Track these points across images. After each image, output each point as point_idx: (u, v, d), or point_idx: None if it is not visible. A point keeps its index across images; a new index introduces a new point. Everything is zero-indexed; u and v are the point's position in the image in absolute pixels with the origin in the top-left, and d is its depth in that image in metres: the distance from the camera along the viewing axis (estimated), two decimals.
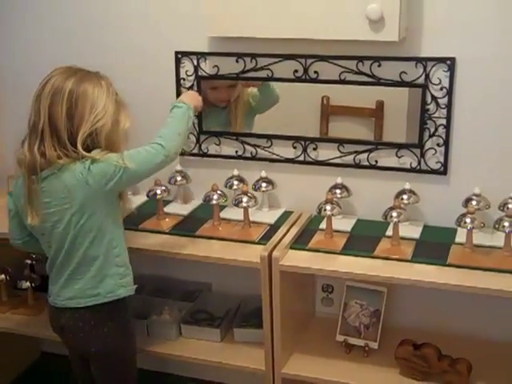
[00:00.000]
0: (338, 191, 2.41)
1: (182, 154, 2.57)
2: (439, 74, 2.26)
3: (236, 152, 2.59)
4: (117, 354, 2.17)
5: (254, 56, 2.44)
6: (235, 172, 2.53)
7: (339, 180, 2.42)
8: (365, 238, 2.32)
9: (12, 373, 3.00)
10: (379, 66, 2.31)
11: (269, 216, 2.52)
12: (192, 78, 2.55)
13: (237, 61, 2.47)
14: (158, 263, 2.59)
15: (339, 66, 2.35)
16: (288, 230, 2.38)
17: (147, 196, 2.54)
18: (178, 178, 2.58)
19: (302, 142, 2.49)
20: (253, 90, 2.54)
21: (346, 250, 2.25)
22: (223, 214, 2.51)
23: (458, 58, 2.23)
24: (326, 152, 2.47)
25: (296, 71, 2.41)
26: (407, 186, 2.35)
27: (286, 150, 2.52)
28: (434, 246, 2.25)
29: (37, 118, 1.98)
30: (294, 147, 2.51)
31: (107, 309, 2.11)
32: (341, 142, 2.44)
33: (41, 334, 2.74)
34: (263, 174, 2.51)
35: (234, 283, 2.67)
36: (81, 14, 2.64)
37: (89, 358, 2.21)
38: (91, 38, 2.64)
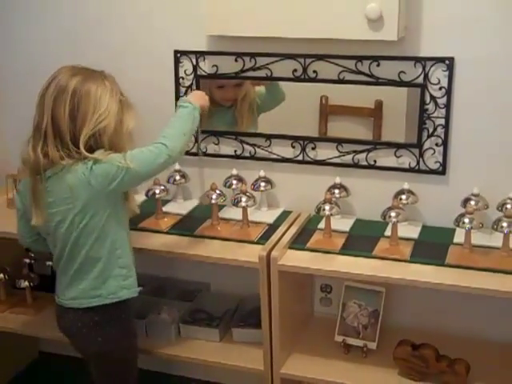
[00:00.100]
0: (336, 191, 2.41)
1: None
2: (438, 74, 2.26)
3: (235, 151, 2.59)
4: (115, 357, 2.17)
5: (253, 55, 2.44)
6: (234, 171, 2.53)
7: (338, 180, 2.42)
8: (363, 238, 2.32)
9: (10, 372, 3.00)
10: (378, 65, 2.31)
11: (267, 216, 2.51)
12: (191, 77, 2.54)
13: (236, 60, 2.47)
14: (156, 263, 2.58)
15: (338, 65, 2.35)
16: (287, 230, 2.37)
17: (146, 195, 2.53)
18: (177, 178, 2.58)
19: (301, 142, 2.49)
20: (260, 88, 2.53)
21: (345, 250, 2.25)
22: (222, 214, 2.51)
23: (456, 58, 2.23)
24: (324, 152, 2.47)
25: (295, 70, 2.41)
26: (406, 185, 2.34)
27: (284, 150, 2.52)
28: (432, 246, 2.25)
29: (40, 119, 1.98)
30: (293, 147, 2.50)
31: (108, 310, 2.10)
32: (339, 141, 2.44)
33: (39, 334, 2.75)
34: (262, 173, 2.51)
35: (233, 283, 2.67)
36: (79, 13, 2.63)
37: (89, 360, 2.21)
38: (89, 37, 2.64)
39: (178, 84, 2.56)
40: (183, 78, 2.56)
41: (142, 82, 2.58)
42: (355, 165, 2.44)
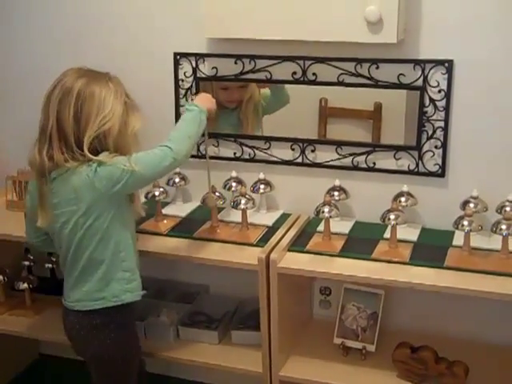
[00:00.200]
0: (335, 193, 2.41)
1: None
2: (437, 77, 2.26)
3: (234, 154, 2.59)
4: (114, 360, 2.16)
5: (252, 57, 2.44)
6: (233, 174, 2.53)
7: (337, 182, 2.42)
8: (363, 241, 2.32)
9: (10, 374, 3.00)
10: (377, 68, 2.31)
11: (267, 218, 2.51)
12: (190, 79, 2.54)
13: (235, 62, 2.47)
14: (155, 265, 2.58)
15: (337, 67, 2.35)
16: (286, 232, 2.37)
17: (145, 198, 2.53)
18: (177, 180, 2.58)
19: (300, 144, 2.49)
20: (265, 90, 2.53)
21: (344, 253, 2.25)
22: (221, 216, 2.51)
23: (455, 61, 2.23)
24: (324, 154, 2.47)
25: (294, 73, 2.41)
26: (405, 188, 2.34)
27: (284, 152, 2.52)
28: (431, 248, 2.25)
29: (46, 121, 1.99)
30: (293, 149, 2.51)
31: (110, 313, 2.10)
32: (339, 144, 2.44)
33: (38, 336, 2.75)
34: (261, 175, 2.51)
35: (232, 285, 2.67)
36: (80, 14, 2.63)
37: (89, 362, 2.21)
38: (89, 38, 2.64)
39: (177, 86, 2.57)
40: (183, 80, 2.56)
41: (142, 84, 2.57)
42: (354, 167, 2.44)
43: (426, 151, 2.34)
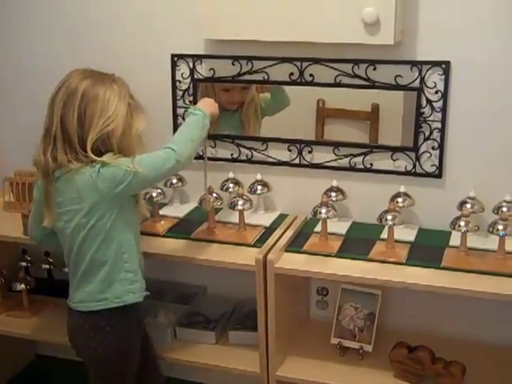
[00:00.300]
0: (333, 194, 2.41)
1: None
2: (434, 78, 2.27)
3: (231, 155, 2.59)
4: (111, 362, 2.14)
5: (249, 59, 2.45)
6: (231, 175, 2.53)
7: (334, 183, 2.43)
8: (360, 241, 2.32)
9: (6, 375, 2.99)
10: (374, 69, 2.32)
11: (264, 219, 2.52)
12: (188, 80, 2.55)
13: (233, 63, 2.48)
14: (153, 266, 2.57)
15: (335, 69, 2.36)
16: (283, 233, 2.38)
17: (143, 199, 2.53)
18: (174, 181, 2.59)
19: (298, 145, 2.49)
20: (265, 94, 2.53)
21: (341, 253, 2.25)
22: (219, 217, 2.51)
23: (452, 62, 2.24)
24: (321, 155, 2.48)
25: (292, 74, 2.42)
26: (402, 189, 2.35)
27: (281, 153, 2.53)
28: (428, 248, 2.26)
29: (50, 123, 1.99)
30: (290, 150, 2.51)
31: (112, 314, 2.10)
32: (336, 145, 2.45)
33: (35, 337, 2.75)
34: (259, 176, 2.51)
35: (229, 286, 2.67)
36: (77, 16, 2.64)
37: (87, 364, 2.21)
38: (86, 39, 2.65)
39: (174, 87, 2.57)
40: (180, 82, 2.56)
41: (139, 85, 2.55)
42: (352, 168, 2.45)
43: (423, 152, 2.35)
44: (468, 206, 2.25)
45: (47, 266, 2.83)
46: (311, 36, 2.24)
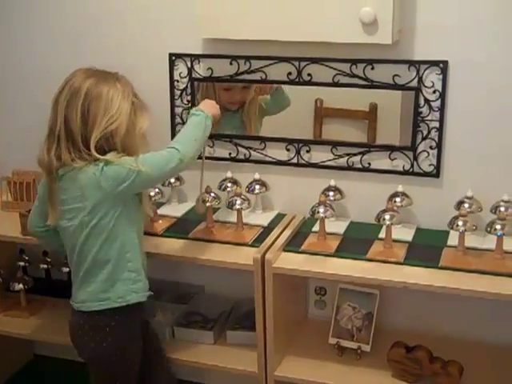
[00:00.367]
0: (331, 193, 2.41)
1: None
2: (432, 77, 2.27)
3: (229, 154, 2.59)
4: (111, 362, 2.14)
5: (247, 58, 2.45)
6: (228, 174, 2.53)
7: (332, 182, 2.42)
8: (358, 241, 2.32)
9: (4, 375, 2.99)
10: (372, 68, 2.32)
11: (262, 218, 2.52)
12: (186, 79, 2.55)
13: (231, 63, 2.47)
14: (150, 265, 2.57)
15: (333, 68, 2.36)
16: (281, 233, 2.38)
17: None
18: (172, 180, 2.58)
19: (296, 145, 2.49)
20: (265, 96, 2.52)
21: (339, 253, 2.25)
22: (216, 217, 2.51)
23: (450, 62, 2.24)
24: (319, 154, 2.48)
25: (290, 73, 2.41)
26: (400, 188, 2.35)
27: (279, 153, 2.52)
28: (426, 248, 2.26)
29: (54, 122, 2.00)
30: (288, 149, 2.51)
31: (115, 314, 2.09)
32: (334, 144, 2.44)
33: (33, 337, 2.75)
34: (257, 176, 2.51)
35: (228, 285, 2.67)
36: (75, 15, 2.63)
37: (88, 364, 2.20)
38: (85, 38, 2.64)
39: (172, 87, 2.57)
40: (178, 81, 2.56)
41: (137, 85, 2.55)
42: (350, 167, 2.45)
43: (421, 151, 2.35)
44: (466, 205, 2.25)
45: (45, 266, 2.82)
46: (309, 36, 2.24)
